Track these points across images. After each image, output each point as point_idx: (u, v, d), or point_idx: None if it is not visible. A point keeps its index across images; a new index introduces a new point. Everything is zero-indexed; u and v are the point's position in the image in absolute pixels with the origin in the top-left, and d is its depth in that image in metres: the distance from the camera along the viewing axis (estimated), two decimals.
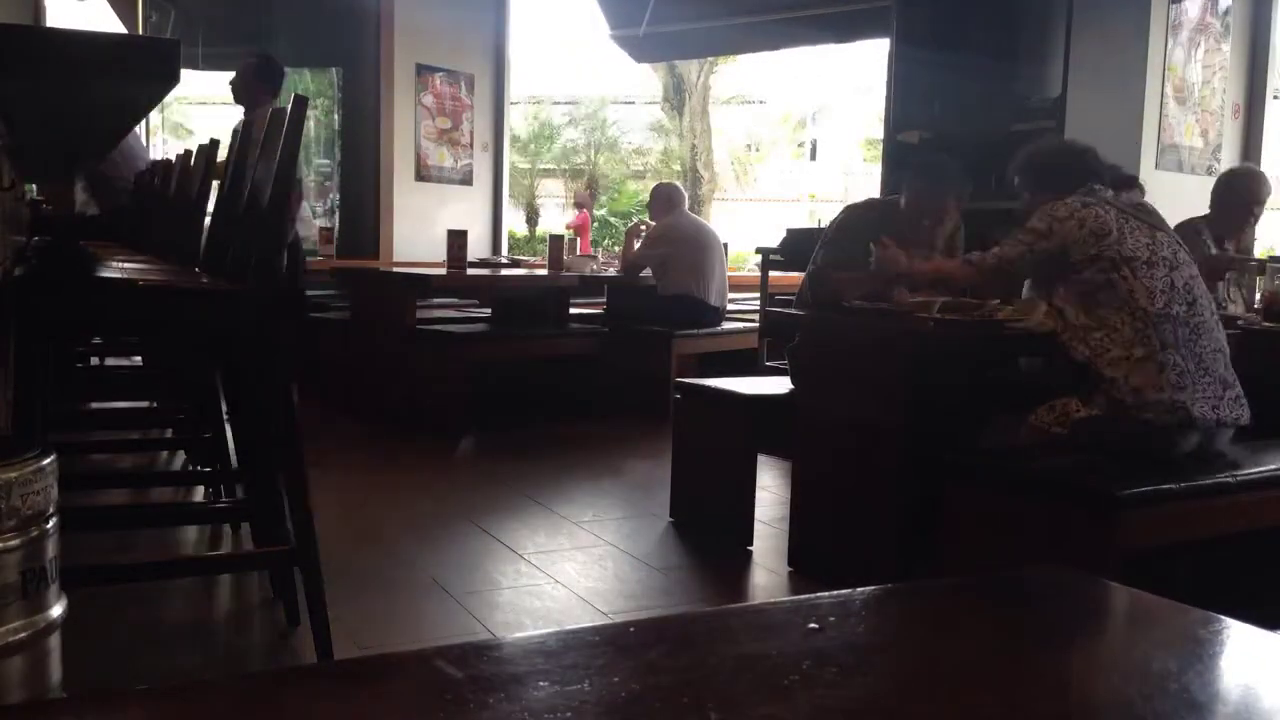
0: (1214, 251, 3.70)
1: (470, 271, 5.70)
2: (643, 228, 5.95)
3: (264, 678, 0.72)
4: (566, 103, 19.32)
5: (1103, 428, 2.44)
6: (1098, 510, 2.20)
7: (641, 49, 7.95)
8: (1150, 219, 2.63)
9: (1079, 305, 2.54)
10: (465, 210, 7.95)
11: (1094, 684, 0.74)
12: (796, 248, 4.56)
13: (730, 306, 5.96)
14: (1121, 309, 2.48)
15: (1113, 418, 2.43)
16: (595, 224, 16.28)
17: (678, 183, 7.14)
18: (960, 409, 2.68)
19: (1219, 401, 2.47)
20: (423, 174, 7.89)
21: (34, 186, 3.53)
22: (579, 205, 15.09)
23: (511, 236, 11.49)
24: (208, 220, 3.03)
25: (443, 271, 5.40)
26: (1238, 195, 3.84)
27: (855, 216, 3.39)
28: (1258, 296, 3.44)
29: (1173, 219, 2.92)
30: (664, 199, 5.84)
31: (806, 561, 2.99)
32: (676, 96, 18.38)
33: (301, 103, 2.02)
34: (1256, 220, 3.94)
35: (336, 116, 8.02)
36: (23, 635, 1.16)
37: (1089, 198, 2.61)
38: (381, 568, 2.92)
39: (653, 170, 18.63)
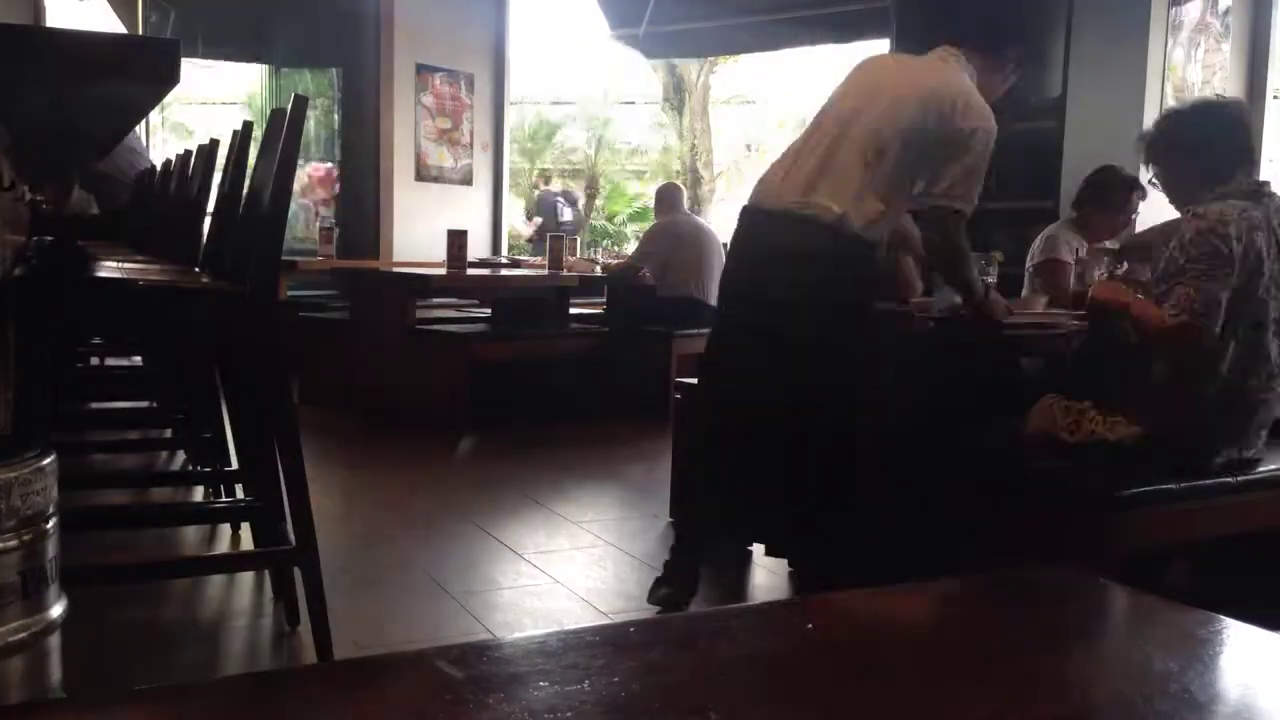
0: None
1: (470, 271, 5.70)
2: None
3: (264, 678, 0.72)
4: (566, 103, 19.31)
5: (1115, 452, 2.36)
6: (1098, 510, 2.20)
7: (642, 49, 7.95)
8: None
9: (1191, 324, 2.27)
10: (465, 210, 7.95)
11: (1095, 684, 0.74)
12: None
13: None
14: (1213, 359, 2.27)
15: (1149, 446, 2.34)
16: (591, 224, 16.27)
17: (678, 183, 7.14)
18: (961, 409, 2.67)
19: (1247, 445, 2.39)
20: (423, 174, 7.89)
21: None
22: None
23: (511, 236, 11.49)
24: (208, 220, 3.04)
25: (443, 271, 5.40)
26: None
27: None
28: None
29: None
30: (664, 199, 5.86)
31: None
32: (676, 96, 18.36)
33: (301, 103, 2.02)
34: None
35: (336, 116, 8.02)
36: (23, 635, 1.16)
37: (1252, 206, 2.27)
38: (381, 568, 2.92)
39: (652, 170, 18.63)
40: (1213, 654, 0.81)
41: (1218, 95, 2.69)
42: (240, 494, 2.86)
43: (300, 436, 2.06)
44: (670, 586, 2.57)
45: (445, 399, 4.88)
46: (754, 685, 0.68)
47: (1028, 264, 3.75)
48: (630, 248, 8.30)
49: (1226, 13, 5.03)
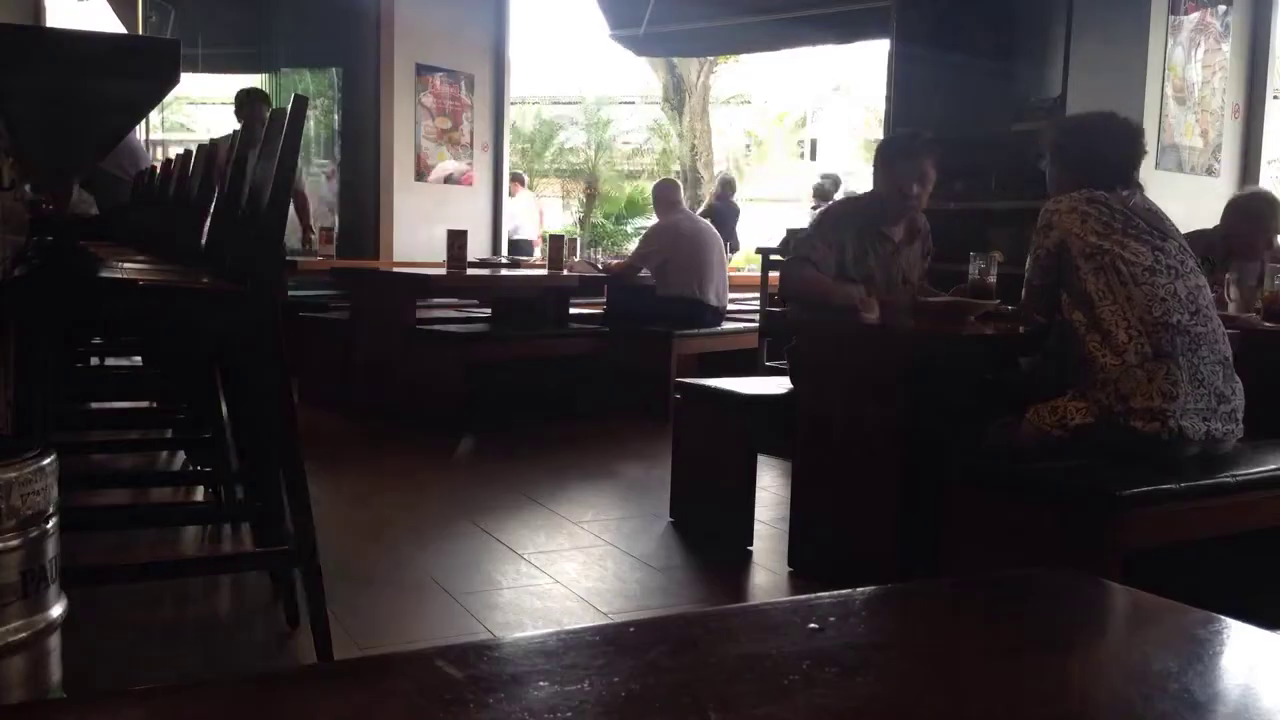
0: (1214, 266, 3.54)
1: (470, 271, 5.71)
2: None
3: (264, 678, 0.72)
4: (566, 103, 19.33)
5: (1096, 434, 2.41)
6: (1098, 510, 2.20)
7: (641, 49, 7.96)
8: (1160, 225, 2.54)
9: (1079, 305, 2.48)
10: (465, 210, 7.95)
11: (1094, 684, 0.74)
12: None
13: (730, 306, 5.97)
14: (1119, 313, 2.42)
15: (1104, 424, 2.40)
16: (591, 225, 16.28)
17: (674, 179, 7.14)
18: (960, 409, 2.67)
19: (1211, 414, 2.42)
20: (423, 174, 7.89)
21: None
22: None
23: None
24: (208, 220, 3.03)
25: (443, 271, 5.40)
26: (1255, 222, 3.74)
27: (835, 212, 3.43)
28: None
29: (1172, 219, 2.84)
30: (663, 197, 5.85)
31: (806, 561, 2.99)
32: (676, 96, 18.38)
33: (301, 103, 2.02)
34: (1270, 249, 3.78)
35: (336, 116, 8.02)
36: (23, 635, 1.16)
37: (1100, 193, 2.54)
38: (381, 568, 2.92)
39: (652, 170, 18.64)
40: (1213, 654, 0.81)
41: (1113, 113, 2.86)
42: (240, 494, 2.85)
43: (300, 437, 2.07)
44: None
45: (445, 399, 4.88)
46: (754, 685, 0.68)
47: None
48: (630, 247, 8.30)
49: (1226, 13, 5.03)
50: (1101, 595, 0.96)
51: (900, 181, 3.22)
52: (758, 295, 5.62)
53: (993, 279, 2.99)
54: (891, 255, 3.28)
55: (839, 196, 7.84)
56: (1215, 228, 3.84)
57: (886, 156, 3.30)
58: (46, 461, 1.21)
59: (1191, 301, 2.46)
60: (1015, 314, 2.75)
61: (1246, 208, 3.83)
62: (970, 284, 3.00)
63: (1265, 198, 3.95)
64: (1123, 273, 2.43)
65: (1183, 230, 2.70)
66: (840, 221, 3.32)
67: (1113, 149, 2.64)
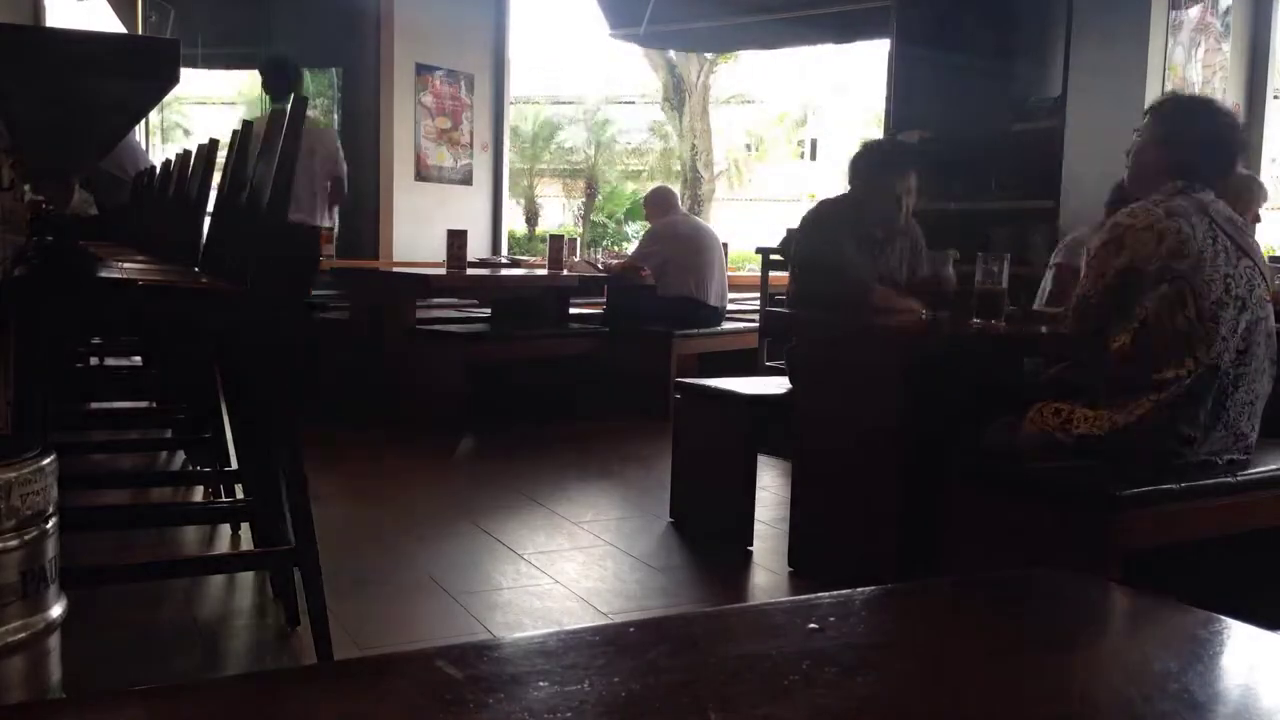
0: None
1: (470, 271, 5.71)
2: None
3: (264, 678, 0.72)
4: (566, 103, 19.34)
5: (1101, 446, 2.37)
6: (1098, 510, 2.20)
7: (644, 43, 7.96)
8: (1238, 238, 2.37)
9: (1129, 328, 2.35)
10: (465, 210, 7.95)
11: (1094, 684, 0.74)
12: None
13: (730, 306, 5.98)
14: (1171, 348, 2.30)
15: (1112, 440, 2.36)
16: (592, 224, 16.30)
17: (672, 185, 7.16)
18: (961, 409, 2.67)
19: (1222, 454, 2.39)
20: (423, 174, 7.89)
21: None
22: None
23: (511, 236, 11.49)
24: (208, 220, 3.04)
25: (443, 271, 5.40)
26: (1236, 200, 3.77)
27: (826, 211, 3.43)
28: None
29: None
30: (660, 202, 5.87)
31: (806, 561, 2.99)
32: (676, 96, 18.39)
33: (301, 103, 2.02)
34: (1256, 222, 3.85)
35: (336, 116, 8.02)
36: (22, 635, 1.16)
37: (1180, 200, 2.34)
38: (381, 568, 2.92)
39: (651, 170, 18.65)
40: (1213, 654, 0.81)
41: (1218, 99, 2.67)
42: (240, 494, 2.85)
43: (300, 436, 2.06)
44: None
45: (445, 399, 4.88)
46: (754, 685, 0.68)
47: (1050, 262, 3.70)
48: (630, 248, 8.31)
49: (1227, 13, 5.03)
50: (1101, 595, 0.96)
51: (890, 191, 3.21)
52: (758, 295, 5.61)
53: (1004, 284, 2.84)
54: (877, 256, 3.29)
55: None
56: None
57: (871, 165, 3.28)
58: (46, 461, 1.21)
59: (1246, 336, 2.34)
60: (1057, 321, 2.61)
61: (1229, 187, 3.85)
62: (978, 291, 2.87)
63: (1246, 178, 3.98)
64: (1188, 307, 2.29)
65: None
66: (837, 222, 3.32)
67: (1225, 134, 2.43)
